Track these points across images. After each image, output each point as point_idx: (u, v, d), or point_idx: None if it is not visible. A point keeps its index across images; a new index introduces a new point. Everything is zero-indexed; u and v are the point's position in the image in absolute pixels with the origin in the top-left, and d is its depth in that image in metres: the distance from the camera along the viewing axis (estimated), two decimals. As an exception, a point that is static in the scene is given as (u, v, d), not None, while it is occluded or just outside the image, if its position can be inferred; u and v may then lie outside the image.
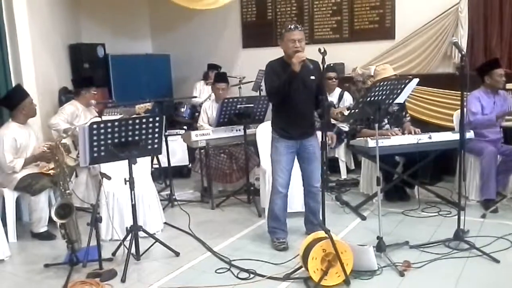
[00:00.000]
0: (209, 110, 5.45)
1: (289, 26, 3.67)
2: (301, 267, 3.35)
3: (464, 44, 5.78)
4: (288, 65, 3.61)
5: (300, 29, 3.67)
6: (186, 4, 6.54)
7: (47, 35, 5.98)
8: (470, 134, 4.45)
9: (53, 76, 6.10)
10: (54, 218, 3.46)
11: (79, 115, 5.11)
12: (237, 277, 3.41)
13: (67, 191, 3.75)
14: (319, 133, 3.77)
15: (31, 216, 4.33)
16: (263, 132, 4.86)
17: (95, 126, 3.37)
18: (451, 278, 3.24)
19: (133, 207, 3.68)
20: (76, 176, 4.91)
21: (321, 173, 3.62)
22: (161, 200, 4.84)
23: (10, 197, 4.32)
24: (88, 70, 6.81)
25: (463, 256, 3.55)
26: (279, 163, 3.82)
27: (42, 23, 5.81)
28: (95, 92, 5.30)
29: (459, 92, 3.61)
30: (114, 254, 3.82)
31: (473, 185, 4.82)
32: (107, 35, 7.59)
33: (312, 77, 3.71)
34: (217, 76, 5.71)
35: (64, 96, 6.01)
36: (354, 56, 6.57)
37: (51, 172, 4.29)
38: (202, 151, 5.20)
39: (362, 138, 4.54)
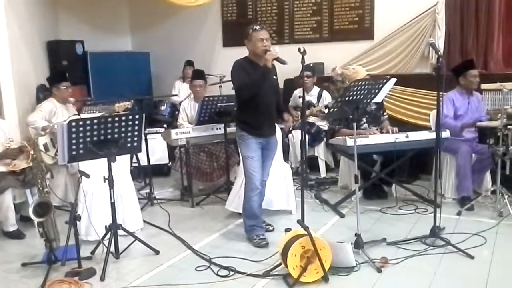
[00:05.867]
0: (188, 109, 5.42)
1: (256, 26, 3.78)
2: (280, 264, 3.38)
3: (441, 45, 5.88)
4: (255, 63, 3.73)
5: (265, 29, 3.81)
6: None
7: (25, 31, 5.87)
8: (446, 134, 4.54)
9: (30, 73, 6.00)
10: (32, 216, 3.42)
11: (57, 112, 5.03)
12: (217, 274, 3.42)
13: (45, 189, 3.71)
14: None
15: None
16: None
17: (74, 123, 3.34)
18: (427, 274, 3.31)
19: (112, 205, 3.66)
20: (52, 176, 4.83)
21: (300, 170, 3.67)
22: (140, 198, 4.82)
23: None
24: (67, 67, 6.69)
25: (439, 252, 3.63)
26: (253, 160, 3.86)
27: (19, 19, 5.71)
28: (65, 87, 5.09)
29: (436, 92, 3.68)
30: (93, 252, 3.79)
31: (449, 183, 4.92)
32: (86, 32, 7.49)
33: (275, 77, 3.93)
34: (194, 73, 5.69)
35: (42, 93, 5.91)
36: (333, 56, 6.62)
37: (16, 169, 4.25)
38: (182, 149, 5.19)
39: (340, 137, 4.59)
